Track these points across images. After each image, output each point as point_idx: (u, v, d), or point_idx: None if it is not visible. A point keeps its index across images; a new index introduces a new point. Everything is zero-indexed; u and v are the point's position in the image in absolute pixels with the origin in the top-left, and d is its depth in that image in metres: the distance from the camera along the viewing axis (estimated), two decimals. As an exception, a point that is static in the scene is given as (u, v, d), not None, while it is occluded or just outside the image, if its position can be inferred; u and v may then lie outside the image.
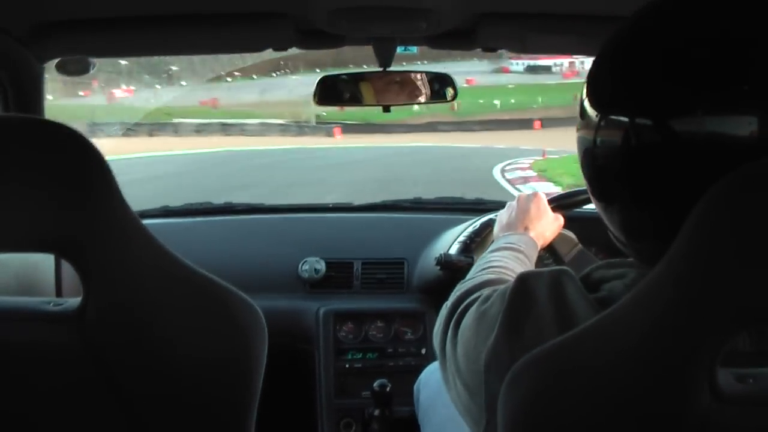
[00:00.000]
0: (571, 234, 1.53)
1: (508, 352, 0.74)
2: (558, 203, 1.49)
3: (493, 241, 1.28)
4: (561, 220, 1.37)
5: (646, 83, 0.66)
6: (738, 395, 0.61)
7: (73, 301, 0.81)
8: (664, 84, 0.65)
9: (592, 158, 0.73)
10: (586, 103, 0.73)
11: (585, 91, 0.74)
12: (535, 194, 1.35)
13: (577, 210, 1.67)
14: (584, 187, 1.68)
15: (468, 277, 1.05)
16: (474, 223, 1.82)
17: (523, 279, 0.79)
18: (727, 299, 0.56)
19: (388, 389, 1.77)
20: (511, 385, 0.68)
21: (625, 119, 0.67)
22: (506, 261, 1.09)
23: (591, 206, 1.68)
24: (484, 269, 1.05)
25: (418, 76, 1.65)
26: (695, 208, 0.57)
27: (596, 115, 0.71)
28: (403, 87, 1.63)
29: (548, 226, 1.32)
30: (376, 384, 1.78)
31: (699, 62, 0.64)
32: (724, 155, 0.62)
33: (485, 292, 0.87)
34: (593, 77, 0.74)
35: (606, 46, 0.73)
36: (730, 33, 0.64)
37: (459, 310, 0.90)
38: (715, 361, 0.59)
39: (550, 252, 1.51)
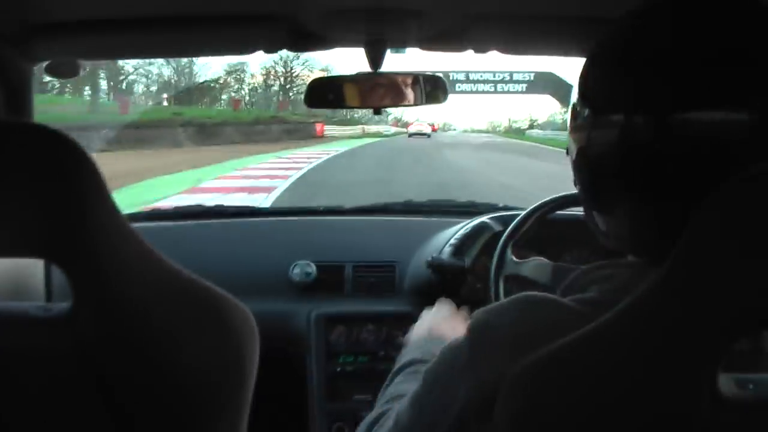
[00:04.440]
0: (541, 259, 1.56)
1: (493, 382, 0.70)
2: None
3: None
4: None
5: (643, 80, 0.66)
6: (739, 401, 0.61)
7: (63, 306, 0.80)
8: (661, 80, 0.65)
9: (586, 159, 0.73)
10: (579, 103, 0.73)
11: (577, 91, 0.74)
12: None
13: (568, 213, 1.68)
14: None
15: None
16: (465, 226, 1.82)
17: (479, 318, 0.76)
18: (729, 305, 0.56)
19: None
20: (509, 392, 0.68)
21: (620, 117, 0.67)
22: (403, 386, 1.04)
23: (569, 211, 1.69)
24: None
25: (410, 78, 1.64)
26: (695, 213, 0.57)
27: (590, 115, 0.71)
28: (395, 89, 1.63)
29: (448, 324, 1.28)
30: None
31: (696, 58, 0.64)
32: (722, 150, 0.63)
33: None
34: (586, 77, 0.74)
35: (599, 45, 0.73)
36: (727, 29, 0.64)
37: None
38: (717, 367, 0.59)
39: (532, 285, 1.51)
